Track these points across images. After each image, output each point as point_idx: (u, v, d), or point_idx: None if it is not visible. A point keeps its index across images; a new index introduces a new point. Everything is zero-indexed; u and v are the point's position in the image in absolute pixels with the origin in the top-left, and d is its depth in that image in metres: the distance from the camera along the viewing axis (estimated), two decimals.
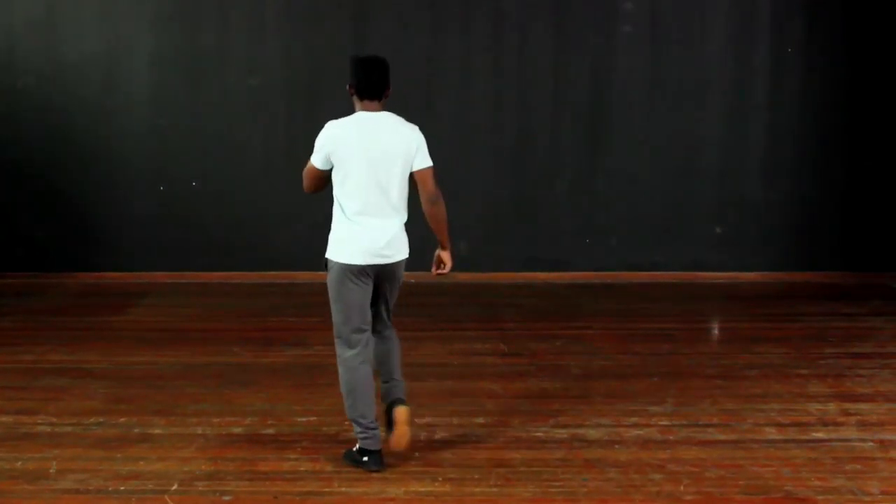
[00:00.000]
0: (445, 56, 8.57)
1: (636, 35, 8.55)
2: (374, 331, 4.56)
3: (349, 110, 4.78)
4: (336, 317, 4.44)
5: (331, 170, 4.41)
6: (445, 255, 4.60)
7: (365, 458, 4.41)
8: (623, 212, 8.74)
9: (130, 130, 8.59)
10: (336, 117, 4.59)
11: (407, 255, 4.50)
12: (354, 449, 4.47)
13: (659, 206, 8.72)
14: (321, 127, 4.44)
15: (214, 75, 8.58)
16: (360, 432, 4.40)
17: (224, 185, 8.63)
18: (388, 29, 8.43)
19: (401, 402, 4.49)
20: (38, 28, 8.48)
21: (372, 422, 4.41)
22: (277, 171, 8.63)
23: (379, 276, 4.44)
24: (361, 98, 4.43)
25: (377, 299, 4.53)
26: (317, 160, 4.42)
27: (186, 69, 8.55)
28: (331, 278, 4.42)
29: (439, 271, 4.62)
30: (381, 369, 4.58)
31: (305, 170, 4.50)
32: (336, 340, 4.48)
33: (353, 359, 4.41)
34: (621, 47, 8.58)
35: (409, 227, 4.50)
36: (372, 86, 4.40)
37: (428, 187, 4.46)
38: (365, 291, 4.42)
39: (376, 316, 4.55)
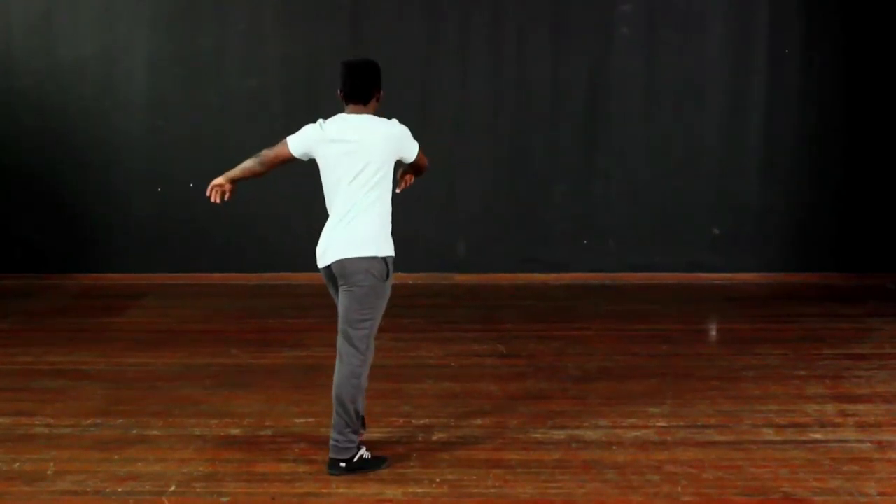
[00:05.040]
0: (443, 58, 8.57)
1: (633, 37, 8.56)
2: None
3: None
4: None
5: (297, 159, 4.42)
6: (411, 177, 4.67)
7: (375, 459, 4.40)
8: (621, 213, 8.75)
9: (128, 132, 8.59)
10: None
11: (360, 256, 4.20)
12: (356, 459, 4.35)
13: (657, 208, 8.73)
14: None
15: (212, 77, 8.58)
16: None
17: None
18: (386, 31, 8.42)
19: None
20: (36, 29, 8.48)
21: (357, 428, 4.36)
22: (275, 172, 8.57)
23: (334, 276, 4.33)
24: (347, 102, 4.33)
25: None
26: (295, 145, 4.37)
27: (184, 71, 8.55)
28: None
29: (402, 187, 4.64)
30: None
31: (276, 147, 4.44)
32: None
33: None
34: (619, 49, 8.58)
35: (395, 232, 4.37)
36: (355, 90, 4.29)
37: (419, 166, 4.56)
38: (336, 292, 4.38)
39: None
